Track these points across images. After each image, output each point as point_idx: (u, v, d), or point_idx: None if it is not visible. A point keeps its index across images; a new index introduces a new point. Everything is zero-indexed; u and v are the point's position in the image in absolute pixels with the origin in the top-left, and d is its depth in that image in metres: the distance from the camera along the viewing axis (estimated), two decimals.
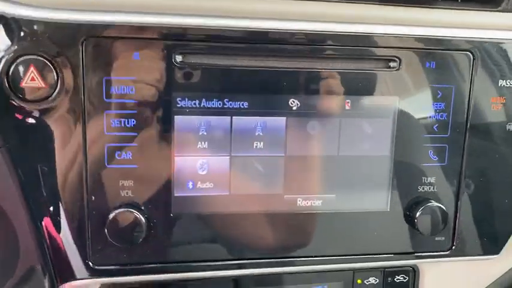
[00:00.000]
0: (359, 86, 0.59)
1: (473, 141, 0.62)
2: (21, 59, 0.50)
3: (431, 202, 0.62)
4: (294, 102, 0.58)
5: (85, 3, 0.53)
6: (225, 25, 0.54)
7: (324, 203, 0.61)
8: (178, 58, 0.54)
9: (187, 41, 0.54)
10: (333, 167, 0.61)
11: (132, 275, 0.60)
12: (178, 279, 0.63)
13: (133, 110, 0.54)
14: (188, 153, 0.57)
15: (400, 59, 0.59)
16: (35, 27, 0.50)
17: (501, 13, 0.62)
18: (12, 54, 0.50)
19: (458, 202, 0.64)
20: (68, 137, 0.54)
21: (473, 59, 0.60)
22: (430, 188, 0.63)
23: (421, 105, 0.61)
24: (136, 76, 0.54)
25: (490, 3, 0.62)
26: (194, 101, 0.56)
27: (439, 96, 0.61)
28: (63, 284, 0.59)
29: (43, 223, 0.56)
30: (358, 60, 0.58)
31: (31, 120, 0.53)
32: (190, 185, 0.58)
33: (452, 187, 0.63)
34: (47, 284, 0.59)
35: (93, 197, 0.56)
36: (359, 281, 0.70)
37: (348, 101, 0.59)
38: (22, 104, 0.51)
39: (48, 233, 0.57)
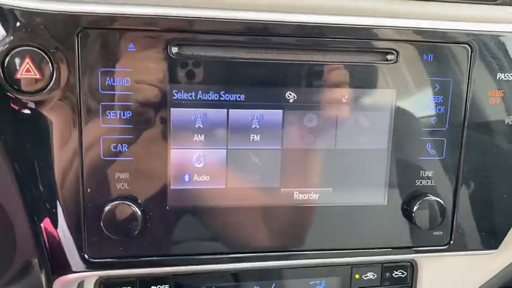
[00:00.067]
0: (356, 79, 0.58)
1: (471, 134, 0.62)
2: (17, 50, 0.50)
3: (428, 196, 0.61)
4: (290, 95, 0.58)
5: None
6: (222, 16, 0.54)
7: (321, 197, 0.61)
8: (174, 50, 0.54)
9: (183, 33, 0.54)
10: (329, 161, 0.60)
11: (128, 268, 0.59)
12: (175, 272, 0.63)
13: (129, 102, 0.54)
14: (184, 146, 0.57)
15: (397, 52, 0.58)
16: (31, 18, 0.50)
17: (499, 6, 0.61)
18: (8, 45, 0.50)
19: (456, 196, 0.64)
20: (64, 129, 0.54)
21: (471, 51, 0.60)
22: (427, 182, 0.62)
23: (419, 98, 0.60)
24: (132, 68, 0.53)
25: None
26: (190, 93, 0.56)
27: (436, 89, 0.60)
28: (60, 277, 0.59)
29: (39, 215, 0.56)
30: (356, 53, 0.58)
31: (26, 112, 0.53)
32: (186, 178, 0.58)
33: (450, 181, 0.63)
34: (43, 277, 0.59)
35: (88, 190, 0.55)
36: (357, 276, 0.70)
37: (345, 93, 0.59)
38: (17, 96, 0.51)
39: (44, 225, 0.57)
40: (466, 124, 0.62)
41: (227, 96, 0.57)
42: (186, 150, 0.57)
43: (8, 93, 0.51)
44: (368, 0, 0.59)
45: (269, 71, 0.57)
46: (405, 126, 0.61)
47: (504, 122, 0.62)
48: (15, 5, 0.50)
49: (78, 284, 0.63)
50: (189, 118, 0.56)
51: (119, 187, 0.56)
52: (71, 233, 0.57)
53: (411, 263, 0.70)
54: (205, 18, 0.54)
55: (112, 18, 0.52)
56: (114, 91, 0.54)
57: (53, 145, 0.54)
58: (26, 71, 0.50)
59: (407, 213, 0.62)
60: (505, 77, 0.61)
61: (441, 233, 0.64)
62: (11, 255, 0.58)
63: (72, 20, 0.51)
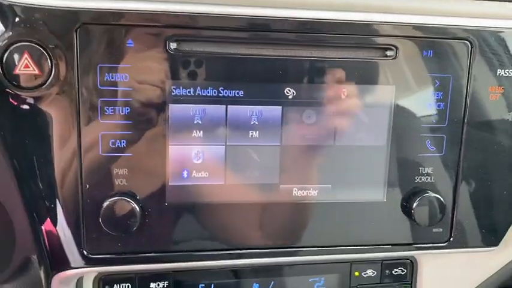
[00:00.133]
0: (355, 75, 0.58)
1: (471, 131, 0.62)
2: (15, 45, 0.50)
3: (428, 193, 0.61)
4: (290, 91, 0.58)
5: None
6: (220, 12, 0.54)
7: (320, 193, 0.61)
8: (173, 45, 0.54)
9: (182, 29, 0.54)
10: (328, 157, 0.60)
11: (127, 264, 0.59)
12: (174, 268, 0.63)
13: (128, 97, 0.54)
14: (183, 142, 0.57)
15: (397, 48, 0.58)
16: (29, 13, 0.50)
17: (499, 2, 0.61)
18: (6, 41, 0.49)
19: (456, 193, 0.63)
20: (63, 125, 0.54)
21: (471, 47, 0.60)
22: (427, 179, 0.62)
23: (418, 95, 0.60)
24: (131, 64, 0.53)
25: None
26: (189, 89, 0.56)
27: (436, 85, 0.60)
28: (58, 273, 0.59)
29: (38, 212, 0.56)
30: (355, 49, 0.58)
31: (25, 108, 0.53)
32: (185, 174, 0.58)
33: (450, 178, 0.63)
34: (42, 273, 0.59)
35: (87, 186, 0.55)
36: (356, 274, 0.70)
37: (344, 90, 0.59)
38: (16, 92, 0.51)
39: (43, 222, 0.57)
40: (465, 120, 0.61)
41: (226, 93, 0.56)
42: (184, 147, 0.57)
43: (7, 89, 0.51)
44: None
45: (268, 67, 0.56)
46: (405, 122, 0.60)
47: (504, 118, 0.62)
48: (15, 1, 0.50)
49: (77, 280, 0.63)
50: (188, 114, 0.56)
51: (117, 183, 0.56)
52: (70, 229, 0.57)
53: (411, 260, 0.70)
54: (204, 14, 0.53)
55: (111, 13, 0.52)
56: (113, 87, 0.54)
57: (51, 141, 0.54)
58: (24, 66, 0.50)
59: (406, 209, 0.62)
60: (505, 73, 0.61)
61: (441, 229, 0.64)
62: (10, 251, 0.59)
63: (70, 15, 0.51)
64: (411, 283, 0.71)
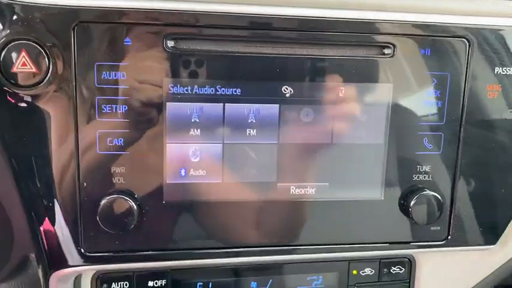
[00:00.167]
0: (353, 73, 0.58)
1: (469, 129, 0.62)
2: (13, 43, 0.50)
3: (426, 191, 0.61)
4: (287, 89, 0.58)
5: None
6: (218, 10, 0.54)
7: (318, 192, 0.61)
8: (170, 44, 0.54)
9: (179, 26, 0.54)
10: (326, 155, 0.60)
11: (124, 262, 0.60)
12: (171, 267, 0.63)
13: (125, 95, 0.54)
14: (180, 140, 0.57)
15: (394, 46, 0.58)
16: (27, 11, 0.50)
17: (497, 0, 0.61)
18: (4, 39, 0.50)
19: (454, 191, 0.63)
20: (60, 123, 0.54)
21: (469, 45, 0.60)
22: (425, 177, 0.62)
23: (416, 93, 0.60)
24: (128, 62, 0.53)
25: None
26: (186, 88, 0.56)
27: (434, 83, 0.60)
28: (56, 272, 0.59)
29: (36, 210, 0.56)
30: (352, 47, 0.58)
31: (23, 106, 0.53)
32: (182, 172, 0.58)
33: (448, 176, 0.63)
34: (40, 272, 0.59)
35: (85, 184, 0.55)
36: (354, 272, 0.69)
37: (341, 88, 0.59)
38: (13, 90, 0.51)
39: (41, 220, 0.57)
40: (463, 118, 0.61)
41: (223, 91, 0.57)
42: (182, 145, 0.57)
43: (5, 87, 0.51)
44: None
45: (265, 65, 0.57)
46: (402, 120, 0.60)
47: (502, 116, 0.62)
48: None
49: (75, 279, 0.63)
50: (185, 112, 0.56)
51: (115, 181, 0.56)
52: (68, 227, 0.57)
53: (409, 259, 0.70)
54: (201, 12, 0.54)
55: (108, 11, 0.52)
56: (110, 85, 0.54)
57: (49, 139, 0.54)
58: (22, 64, 0.50)
59: (404, 208, 0.62)
60: (503, 71, 0.61)
61: (439, 228, 0.64)
62: (8, 250, 0.59)
63: (68, 13, 0.51)
64: (409, 282, 0.71)
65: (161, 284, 0.64)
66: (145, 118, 0.55)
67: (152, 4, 0.52)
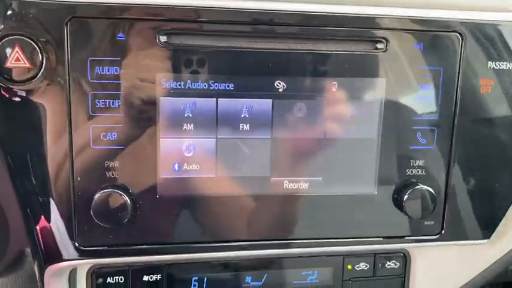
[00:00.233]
0: (346, 68, 0.58)
1: (463, 123, 0.62)
2: (6, 39, 0.50)
3: (419, 185, 0.61)
4: (280, 84, 0.58)
5: None
6: (211, 5, 0.54)
7: (311, 186, 0.61)
8: (163, 39, 0.54)
9: (172, 22, 0.54)
10: (319, 150, 0.60)
11: (119, 256, 0.60)
12: (166, 261, 0.63)
13: (118, 90, 0.54)
14: (174, 135, 0.57)
15: (387, 41, 0.58)
16: (20, 7, 0.51)
17: None
18: None
19: (448, 186, 0.63)
20: (54, 118, 0.54)
21: (462, 40, 0.59)
22: (418, 172, 0.62)
23: (409, 87, 0.60)
24: (121, 57, 0.54)
25: None
26: (179, 83, 0.56)
27: (427, 78, 0.60)
28: (51, 266, 0.59)
29: (31, 205, 0.57)
30: (345, 42, 0.58)
31: (17, 101, 0.53)
32: (176, 167, 0.58)
33: (442, 170, 0.63)
34: (36, 266, 0.60)
35: (79, 178, 0.56)
36: (349, 267, 0.70)
37: (334, 83, 0.59)
38: (7, 85, 0.51)
39: (36, 215, 0.57)
40: (457, 113, 0.61)
41: (216, 86, 0.57)
42: (175, 140, 0.57)
43: None
44: None
45: (258, 60, 0.57)
46: (395, 115, 0.60)
47: (496, 111, 0.62)
48: None
49: (71, 274, 0.63)
50: (179, 107, 0.57)
51: (108, 176, 0.56)
52: (63, 221, 0.57)
53: (404, 254, 0.70)
54: (193, 7, 0.54)
55: (101, 7, 0.52)
56: (104, 80, 0.54)
57: (43, 134, 0.54)
58: (15, 59, 0.50)
59: (398, 202, 0.62)
60: (497, 66, 0.61)
61: (432, 222, 0.64)
62: (4, 245, 0.59)
63: (61, 8, 0.52)
64: (404, 276, 0.71)
65: (156, 279, 0.64)
66: (139, 113, 0.55)
67: (145, 0, 0.53)
